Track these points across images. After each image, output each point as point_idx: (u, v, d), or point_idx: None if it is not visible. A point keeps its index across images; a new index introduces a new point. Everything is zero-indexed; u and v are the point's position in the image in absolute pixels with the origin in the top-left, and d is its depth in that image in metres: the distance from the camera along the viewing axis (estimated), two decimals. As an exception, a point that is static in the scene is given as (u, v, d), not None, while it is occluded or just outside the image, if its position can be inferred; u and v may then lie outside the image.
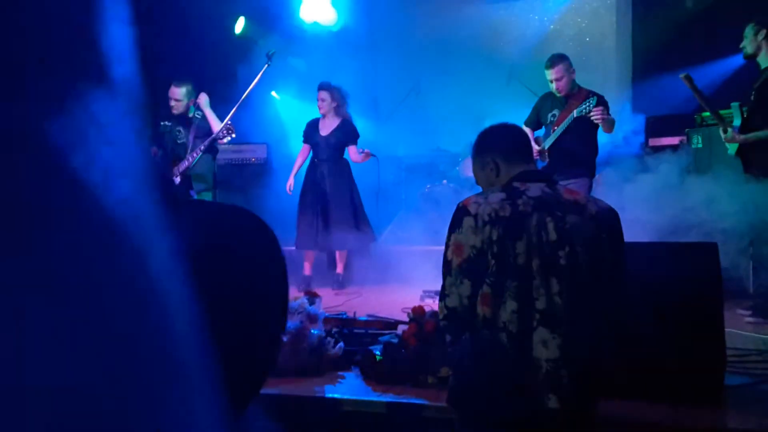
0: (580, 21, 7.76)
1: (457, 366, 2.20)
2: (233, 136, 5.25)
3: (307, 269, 5.87)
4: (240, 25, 7.66)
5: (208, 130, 5.27)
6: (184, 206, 0.73)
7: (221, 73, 6.73)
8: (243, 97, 4.61)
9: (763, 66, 4.39)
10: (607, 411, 2.19)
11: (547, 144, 5.01)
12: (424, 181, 7.29)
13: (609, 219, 2.15)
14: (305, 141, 6.04)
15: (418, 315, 3.04)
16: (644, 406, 2.54)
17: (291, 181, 6.01)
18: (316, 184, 5.87)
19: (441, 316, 2.16)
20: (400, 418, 2.68)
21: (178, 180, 5.34)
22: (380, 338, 3.09)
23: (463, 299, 2.07)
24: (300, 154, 6.10)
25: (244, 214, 0.77)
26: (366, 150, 5.93)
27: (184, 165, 5.29)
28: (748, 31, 4.37)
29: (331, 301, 4.76)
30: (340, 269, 5.96)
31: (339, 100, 5.88)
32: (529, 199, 2.09)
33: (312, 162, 5.99)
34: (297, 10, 7.22)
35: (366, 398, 2.78)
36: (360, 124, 7.20)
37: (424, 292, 5.06)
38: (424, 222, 7.12)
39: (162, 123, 5.57)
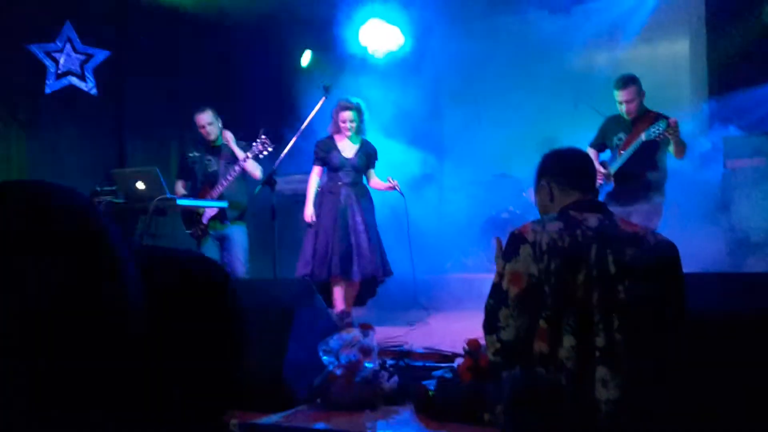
0: (652, 40, 7.50)
1: (511, 405, 2.09)
2: (270, 149, 5.17)
3: (338, 303, 5.25)
4: (306, 58, 7.77)
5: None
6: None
7: (285, 106, 6.82)
8: (301, 129, 4.60)
9: None
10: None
11: (613, 168, 4.83)
12: (489, 207, 7.16)
13: (668, 252, 2.02)
14: (321, 163, 5.43)
15: (473, 348, 2.93)
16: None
17: (311, 209, 5.33)
18: (339, 211, 5.28)
19: (492, 350, 2.03)
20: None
21: (213, 211, 5.35)
22: (434, 372, 2.99)
23: (520, 332, 1.96)
24: (313, 178, 5.45)
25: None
26: (395, 181, 5.43)
27: (216, 192, 5.27)
28: None
29: (389, 333, 4.66)
30: (349, 306, 5.34)
31: (364, 119, 5.44)
32: (588, 230, 1.98)
33: (329, 185, 5.41)
34: (356, 39, 7.28)
35: (418, 436, 2.68)
36: (422, 152, 7.15)
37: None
38: (489, 249, 6.98)
39: (190, 155, 5.57)
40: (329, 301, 5.17)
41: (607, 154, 5.08)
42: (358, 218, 5.30)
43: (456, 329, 4.82)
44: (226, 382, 0.67)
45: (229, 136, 5.40)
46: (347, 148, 5.42)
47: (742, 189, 5.54)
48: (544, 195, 2.20)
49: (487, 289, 4.92)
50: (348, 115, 5.32)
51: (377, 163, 5.58)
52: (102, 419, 0.55)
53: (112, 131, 6.37)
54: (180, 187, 5.58)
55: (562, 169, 2.19)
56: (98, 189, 4.69)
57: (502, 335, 1.96)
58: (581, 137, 5.33)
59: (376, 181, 5.53)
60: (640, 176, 4.66)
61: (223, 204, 5.22)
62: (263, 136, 5.19)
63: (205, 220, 5.39)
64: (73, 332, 0.55)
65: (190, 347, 0.64)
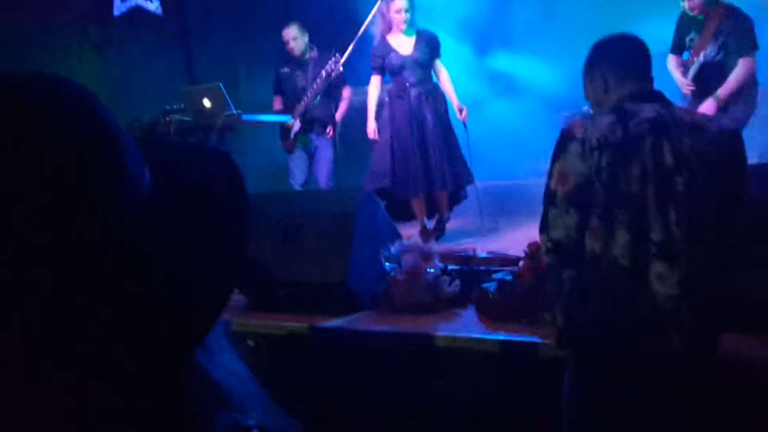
0: None
1: (566, 305, 2.07)
2: (340, 69, 5.15)
3: (421, 217, 4.97)
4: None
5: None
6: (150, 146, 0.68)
7: (341, 15, 6.68)
8: (359, 34, 4.48)
9: None
10: (730, 347, 1.97)
11: (690, 76, 4.47)
12: (565, 107, 6.91)
13: (731, 141, 1.90)
14: (379, 71, 4.96)
15: (535, 250, 2.90)
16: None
17: (373, 123, 4.96)
18: (411, 116, 4.79)
19: (544, 249, 2.03)
20: (513, 356, 2.59)
21: (297, 125, 5.39)
22: (494, 275, 2.99)
23: (570, 231, 1.93)
24: (373, 89, 5.02)
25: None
26: (464, 111, 4.96)
27: (301, 108, 5.31)
28: None
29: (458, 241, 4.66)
30: (443, 213, 5.04)
31: (416, 8, 4.87)
32: (643, 121, 1.88)
33: (395, 90, 4.92)
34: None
35: (478, 336, 2.71)
36: (492, 56, 6.90)
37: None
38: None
39: (281, 70, 5.60)
40: (407, 215, 4.94)
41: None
42: (433, 122, 4.81)
43: (526, 235, 4.77)
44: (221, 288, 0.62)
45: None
46: (404, 44, 4.87)
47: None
48: (598, 87, 2.08)
49: None
50: (400, 3, 4.75)
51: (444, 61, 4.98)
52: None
53: (179, 50, 6.47)
54: (277, 103, 5.67)
55: (616, 57, 2.06)
56: (167, 108, 4.80)
57: (552, 234, 1.95)
58: (663, 26, 4.98)
59: (445, 77, 4.97)
60: (721, 82, 4.30)
61: (286, 118, 5.29)
62: (336, 54, 5.19)
63: (291, 135, 5.49)
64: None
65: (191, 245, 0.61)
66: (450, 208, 5.10)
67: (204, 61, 6.62)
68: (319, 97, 5.34)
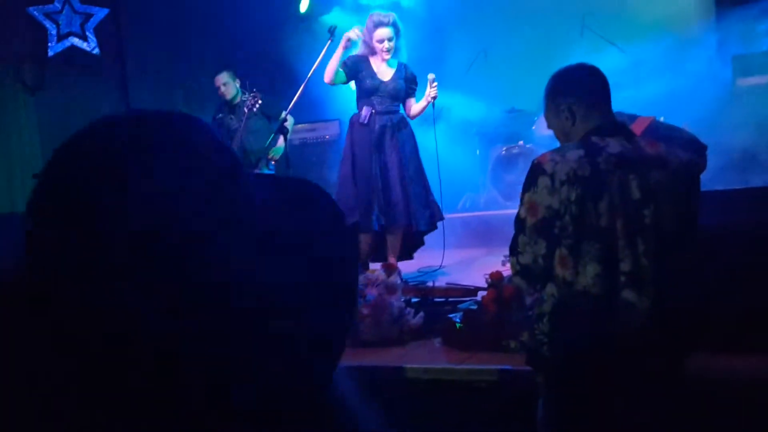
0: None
1: (537, 327, 2.13)
2: (260, 102, 5.27)
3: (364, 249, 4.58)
4: (305, 4, 7.66)
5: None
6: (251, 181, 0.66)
7: (285, 52, 6.77)
8: (309, 75, 4.48)
9: None
10: (697, 366, 2.09)
11: None
12: (500, 144, 7.13)
13: (691, 171, 2.03)
14: (350, 72, 4.54)
15: (496, 280, 2.99)
16: (736, 359, 2.41)
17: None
18: (376, 145, 4.48)
19: (513, 272, 2.10)
20: (482, 383, 2.65)
21: None
22: (460, 305, 3.06)
23: (537, 258, 2.00)
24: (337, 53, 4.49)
25: (311, 186, 0.73)
26: (434, 83, 4.51)
27: (234, 146, 5.44)
28: None
29: (409, 268, 4.69)
30: (393, 258, 4.51)
31: (401, 36, 4.57)
32: (610, 156, 1.96)
33: (362, 116, 4.54)
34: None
35: (448, 366, 2.76)
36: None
37: (505, 256, 4.95)
38: (501, 185, 6.99)
39: (217, 116, 5.80)
40: (379, 252, 4.59)
41: None
42: (395, 157, 4.51)
43: (474, 266, 4.90)
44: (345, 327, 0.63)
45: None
46: (382, 70, 4.55)
47: (752, 107, 5.49)
48: (563, 119, 2.11)
49: (499, 225, 4.83)
50: (385, 32, 4.44)
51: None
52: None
53: (117, 89, 6.36)
54: None
55: (581, 90, 2.10)
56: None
57: (520, 258, 2.01)
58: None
59: (416, 108, 4.61)
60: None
61: None
62: (254, 91, 5.35)
63: None
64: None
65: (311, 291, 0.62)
66: (411, 255, 4.79)
67: (143, 100, 6.54)
68: (251, 136, 5.49)
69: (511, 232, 2.06)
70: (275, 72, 6.69)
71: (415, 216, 4.47)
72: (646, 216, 1.93)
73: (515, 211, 4.51)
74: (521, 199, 2.04)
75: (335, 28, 4.41)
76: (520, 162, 6.93)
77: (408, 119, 4.67)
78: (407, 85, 4.59)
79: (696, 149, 2.48)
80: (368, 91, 4.51)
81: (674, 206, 1.98)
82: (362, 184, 4.47)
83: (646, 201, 1.93)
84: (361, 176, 4.48)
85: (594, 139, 2.02)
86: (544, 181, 1.97)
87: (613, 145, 1.99)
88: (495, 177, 6.93)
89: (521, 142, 7.01)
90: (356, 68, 4.51)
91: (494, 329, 2.77)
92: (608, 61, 5.09)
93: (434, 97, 4.51)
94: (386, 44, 4.43)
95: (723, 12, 6.41)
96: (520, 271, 2.03)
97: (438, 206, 4.68)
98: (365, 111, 4.50)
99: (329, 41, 4.39)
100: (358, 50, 4.56)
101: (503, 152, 7.00)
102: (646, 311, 1.93)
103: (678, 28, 6.34)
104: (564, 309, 1.97)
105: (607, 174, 1.94)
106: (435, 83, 4.49)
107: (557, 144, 2.23)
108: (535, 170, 2.01)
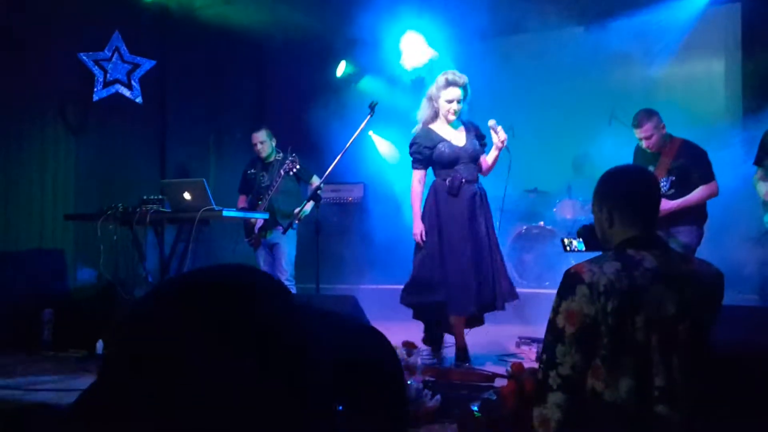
0: (687, 59, 7.51)
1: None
2: (297, 167, 5.41)
3: (460, 340, 4.27)
4: (341, 69, 7.94)
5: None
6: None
7: (318, 116, 6.95)
8: (347, 146, 4.61)
9: None
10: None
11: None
12: (521, 223, 7.21)
13: (719, 286, 2.08)
14: (424, 164, 4.28)
15: (517, 372, 3.01)
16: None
17: (421, 225, 4.22)
18: (465, 218, 4.15)
19: (554, 386, 2.00)
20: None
21: (260, 222, 5.69)
22: (481, 395, 3.07)
23: (576, 369, 1.98)
24: (417, 185, 4.30)
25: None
26: (499, 127, 4.22)
27: (263, 206, 5.63)
28: None
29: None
30: (461, 340, 4.25)
31: (468, 95, 4.33)
32: (647, 271, 1.99)
33: (448, 186, 4.21)
34: (396, 56, 7.37)
35: (464, 456, 2.76)
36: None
37: (520, 338, 4.98)
38: (520, 265, 7.04)
39: (249, 171, 5.99)
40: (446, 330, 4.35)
41: None
42: (485, 229, 4.20)
43: (487, 342, 4.90)
44: None
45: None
46: (454, 135, 4.28)
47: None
48: (603, 221, 2.15)
49: (530, 301, 4.78)
50: (456, 93, 4.23)
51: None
52: None
53: (155, 136, 6.54)
54: (241, 201, 6.00)
55: (625, 195, 2.12)
56: (145, 198, 4.83)
57: (560, 370, 1.98)
58: (613, 154, 5.36)
59: (490, 160, 4.30)
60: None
61: (263, 215, 5.48)
62: (293, 155, 5.47)
63: (255, 230, 5.81)
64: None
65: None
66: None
67: (177, 153, 6.72)
68: (280, 196, 5.66)
69: (526, 311, 2.07)
70: (307, 134, 6.87)
71: (500, 294, 4.16)
72: (681, 332, 1.96)
73: (531, 290, 4.51)
74: (556, 308, 2.02)
75: (376, 104, 4.48)
76: (538, 242, 7.00)
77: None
78: (480, 141, 4.33)
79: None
80: (450, 160, 4.19)
81: (705, 321, 2.03)
82: (452, 262, 4.12)
83: (681, 316, 1.96)
84: (449, 252, 4.13)
85: (630, 251, 2.04)
86: (582, 290, 1.97)
87: (649, 260, 2.01)
88: (512, 254, 6.99)
89: (542, 223, 7.09)
90: (431, 144, 4.23)
91: (513, 423, 2.78)
92: (632, 150, 5.19)
93: (503, 142, 4.21)
94: (455, 105, 4.21)
95: (749, 117, 6.56)
96: (562, 384, 1.98)
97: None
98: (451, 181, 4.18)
99: (369, 116, 4.51)
100: (421, 116, 4.34)
101: (523, 230, 7.08)
102: (679, 425, 1.94)
103: (706, 125, 6.47)
104: (594, 421, 1.98)
105: (644, 289, 1.96)
106: (499, 126, 4.24)
107: (576, 227, 2.25)
108: (573, 279, 2.02)
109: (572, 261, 5.98)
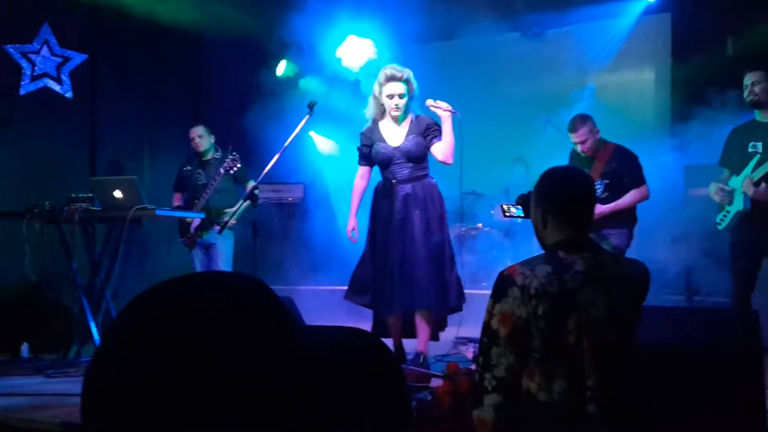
0: (621, 67, 7.74)
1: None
2: (238, 166, 5.38)
3: (396, 339, 4.26)
4: (282, 67, 7.86)
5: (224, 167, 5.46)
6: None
7: (255, 115, 6.86)
8: (284, 146, 4.51)
9: None
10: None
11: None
12: (459, 224, 7.28)
13: (645, 283, 2.14)
14: (366, 161, 4.31)
15: (452, 372, 3.02)
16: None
17: (353, 222, 4.27)
18: (395, 221, 4.09)
19: (490, 388, 2.01)
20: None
21: (197, 221, 5.57)
22: (415, 395, 3.08)
23: (511, 371, 1.99)
24: (358, 181, 4.33)
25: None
26: (442, 104, 4.10)
27: (199, 205, 5.53)
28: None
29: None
30: (423, 345, 4.15)
31: (415, 89, 4.20)
32: (577, 274, 2.01)
33: (383, 186, 4.22)
34: (334, 55, 7.35)
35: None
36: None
37: (457, 338, 5.02)
38: (458, 265, 7.09)
39: (184, 169, 5.87)
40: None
41: None
42: (418, 231, 4.07)
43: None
44: None
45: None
46: (393, 133, 4.21)
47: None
48: (538, 221, 2.17)
49: (467, 301, 4.86)
50: (397, 87, 4.11)
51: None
52: None
53: (84, 135, 6.32)
54: (176, 200, 5.87)
55: (561, 204, 2.13)
56: (73, 195, 4.66)
57: (496, 372, 1.99)
58: (550, 158, 5.46)
59: (442, 139, 4.11)
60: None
61: (199, 215, 5.37)
62: (234, 153, 5.41)
63: (191, 230, 5.67)
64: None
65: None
66: (433, 335, 4.32)
67: (108, 150, 6.51)
68: (217, 195, 5.56)
69: (464, 311, 2.07)
70: (244, 134, 6.77)
71: (435, 298, 4.04)
72: (611, 333, 1.98)
73: (466, 291, 4.48)
74: (490, 310, 2.03)
75: (315, 103, 4.43)
76: (477, 244, 7.08)
77: (434, 181, 4.28)
78: (426, 133, 4.17)
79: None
80: (384, 161, 4.16)
81: (633, 320, 2.08)
82: (379, 264, 4.10)
83: (611, 318, 1.98)
84: (379, 257, 4.09)
85: (561, 254, 2.06)
86: (514, 293, 1.99)
87: (580, 263, 2.03)
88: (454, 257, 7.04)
89: (480, 225, 7.18)
90: (369, 145, 4.24)
91: (449, 423, 2.79)
92: (567, 154, 5.30)
93: (447, 108, 4.10)
94: (396, 100, 4.10)
95: (677, 123, 6.80)
96: (497, 386, 1.99)
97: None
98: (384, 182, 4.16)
99: (308, 115, 4.45)
100: (369, 112, 4.28)
101: (462, 231, 7.16)
102: (610, 424, 1.98)
103: (637, 130, 6.67)
104: (528, 421, 2.00)
105: (575, 292, 1.98)
106: (436, 101, 4.14)
107: (514, 229, 2.30)
108: (505, 281, 2.03)
109: (508, 262, 6.08)
